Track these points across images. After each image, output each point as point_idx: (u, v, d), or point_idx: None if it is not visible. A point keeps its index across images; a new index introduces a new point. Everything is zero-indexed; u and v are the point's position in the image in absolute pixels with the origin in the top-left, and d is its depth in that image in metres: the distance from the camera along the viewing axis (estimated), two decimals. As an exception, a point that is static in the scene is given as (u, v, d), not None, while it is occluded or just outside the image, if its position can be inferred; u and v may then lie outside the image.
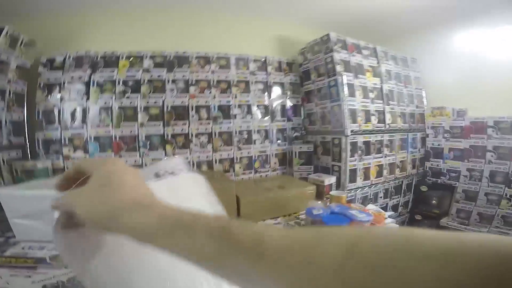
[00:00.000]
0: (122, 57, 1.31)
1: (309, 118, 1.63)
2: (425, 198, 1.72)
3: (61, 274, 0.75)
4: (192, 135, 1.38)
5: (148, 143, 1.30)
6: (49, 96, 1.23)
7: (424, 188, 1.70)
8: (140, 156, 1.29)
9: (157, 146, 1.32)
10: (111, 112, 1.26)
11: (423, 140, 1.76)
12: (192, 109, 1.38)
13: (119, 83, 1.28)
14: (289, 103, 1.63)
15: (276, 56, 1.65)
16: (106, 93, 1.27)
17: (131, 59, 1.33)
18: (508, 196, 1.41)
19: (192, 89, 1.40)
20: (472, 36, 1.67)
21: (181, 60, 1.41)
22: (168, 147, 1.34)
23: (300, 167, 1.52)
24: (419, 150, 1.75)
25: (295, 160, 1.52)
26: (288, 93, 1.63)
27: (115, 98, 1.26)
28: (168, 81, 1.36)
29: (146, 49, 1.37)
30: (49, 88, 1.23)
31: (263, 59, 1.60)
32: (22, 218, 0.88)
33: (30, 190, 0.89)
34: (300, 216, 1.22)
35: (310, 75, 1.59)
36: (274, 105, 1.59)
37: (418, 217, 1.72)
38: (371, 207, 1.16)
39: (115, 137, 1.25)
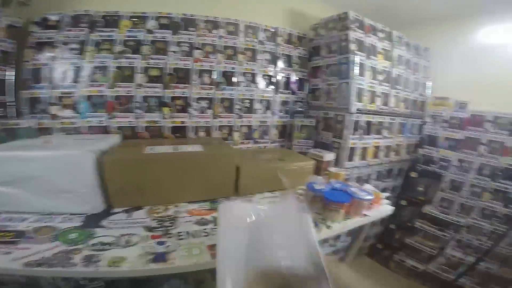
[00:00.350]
0: (125, 18, 1.23)
1: (314, 93, 1.61)
2: (413, 184, 1.77)
3: (46, 249, 0.64)
4: (192, 99, 1.34)
5: (146, 105, 1.25)
6: (39, 54, 1.15)
7: (413, 174, 1.75)
8: (135, 118, 1.25)
9: (154, 108, 1.28)
10: (107, 71, 1.19)
11: (421, 127, 1.79)
12: (195, 73, 1.32)
13: (118, 43, 1.20)
14: (294, 77, 1.59)
15: (287, 28, 1.58)
16: (103, 53, 1.20)
17: (135, 20, 1.24)
18: (490, 190, 1.48)
19: (196, 53, 1.33)
20: (486, 32, 1.66)
21: (188, 23, 1.33)
22: (165, 109, 1.29)
23: (300, 141, 1.51)
24: (415, 136, 1.78)
25: (296, 134, 1.51)
26: (295, 66, 1.58)
27: (113, 58, 1.19)
28: (172, 44, 1.28)
29: (152, 10, 1.28)
30: (40, 46, 1.15)
31: (274, 30, 1.53)
32: (0, 185, 0.76)
33: (11, 151, 0.78)
34: (298, 191, 1.22)
35: (320, 50, 1.54)
36: (279, 77, 1.54)
37: (403, 202, 1.79)
38: (368, 187, 1.18)
39: (109, 97, 1.19)
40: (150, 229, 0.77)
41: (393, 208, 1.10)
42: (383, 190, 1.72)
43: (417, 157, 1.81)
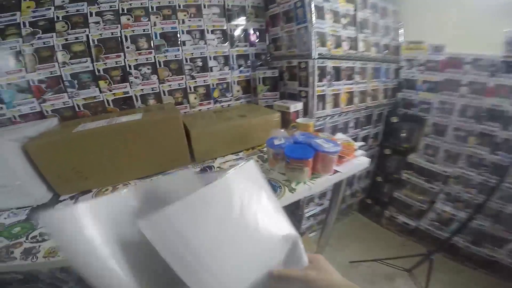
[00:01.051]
0: None
1: (275, 43, 1.45)
2: (395, 131, 1.67)
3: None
4: (130, 67, 1.20)
5: (76, 82, 1.13)
6: None
7: (394, 119, 1.64)
8: (69, 97, 1.13)
9: (89, 84, 1.16)
10: (22, 56, 1.06)
11: (397, 72, 1.68)
12: (126, 40, 1.18)
13: (24, 25, 1.06)
14: (251, 28, 1.43)
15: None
16: (10, 38, 1.05)
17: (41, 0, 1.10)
18: (476, 133, 1.38)
19: (124, 18, 1.17)
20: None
21: None
22: (101, 83, 1.17)
23: (265, 94, 1.38)
24: (392, 80, 1.67)
25: (259, 87, 1.36)
26: (251, 17, 1.42)
27: (23, 41, 1.06)
28: (91, 14, 1.14)
29: None
30: None
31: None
32: None
33: None
34: (264, 150, 1.08)
35: (276, -4, 1.38)
36: (234, 30, 1.38)
37: (387, 151, 1.68)
38: (340, 136, 1.04)
39: (33, 81, 1.09)
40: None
41: (369, 160, 0.94)
42: (364, 139, 1.63)
43: (396, 101, 1.71)
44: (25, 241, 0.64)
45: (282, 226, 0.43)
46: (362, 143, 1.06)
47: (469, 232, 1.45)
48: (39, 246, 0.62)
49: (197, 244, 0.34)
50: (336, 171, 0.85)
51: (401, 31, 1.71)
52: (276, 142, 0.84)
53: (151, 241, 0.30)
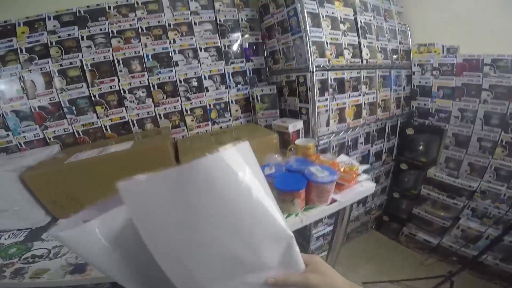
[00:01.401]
0: (20, 24, 1.11)
1: (273, 56, 1.38)
2: (411, 143, 1.52)
3: None
4: (124, 91, 1.18)
5: (74, 108, 1.14)
6: None
7: (410, 131, 1.49)
8: (69, 124, 1.14)
9: (86, 109, 1.16)
10: (22, 82, 1.10)
11: (409, 78, 1.54)
12: (119, 63, 1.17)
13: (21, 51, 1.09)
14: (247, 42, 1.36)
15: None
16: (9, 65, 1.08)
17: (33, 24, 1.13)
18: (503, 143, 1.21)
19: (115, 41, 1.17)
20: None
21: (95, 14, 1.17)
22: (98, 108, 1.17)
23: (264, 112, 1.29)
24: (404, 88, 1.52)
25: (258, 105, 1.28)
26: (245, 30, 1.36)
27: (21, 68, 1.08)
28: (83, 38, 1.14)
29: (47, 10, 1.14)
30: None
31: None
32: None
33: None
34: None
35: (269, 7, 1.31)
36: (229, 46, 1.32)
37: (403, 166, 1.53)
38: (343, 158, 0.94)
39: (34, 108, 1.10)
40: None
41: (374, 185, 0.84)
42: (377, 154, 1.50)
43: (410, 111, 1.56)
44: (17, 262, 0.68)
45: (277, 224, 0.36)
46: (366, 166, 0.94)
47: (499, 249, 1.27)
48: (28, 267, 0.66)
49: (172, 220, 0.31)
50: (334, 200, 0.76)
51: (408, 32, 1.58)
52: (267, 171, 0.76)
53: (126, 205, 0.30)
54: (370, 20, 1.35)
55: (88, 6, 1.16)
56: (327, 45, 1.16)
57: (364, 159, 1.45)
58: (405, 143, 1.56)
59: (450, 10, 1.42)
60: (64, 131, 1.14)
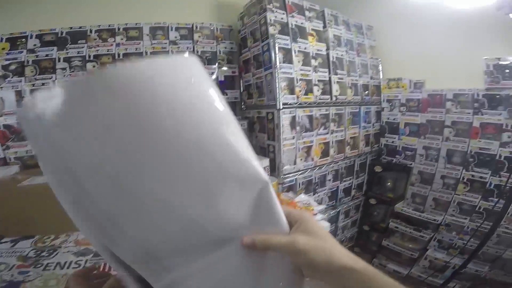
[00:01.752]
0: (2, 40, 1.11)
1: (248, 90, 1.39)
2: (379, 180, 1.55)
3: None
4: None
5: None
6: None
7: (378, 169, 1.53)
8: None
9: None
10: None
11: (378, 114, 1.59)
12: None
13: None
14: (223, 74, 1.37)
15: (206, 22, 1.38)
16: None
17: (14, 41, 1.12)
18: (465, 180, 1.28)
19: (90, 66, 1.16)
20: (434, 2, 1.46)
21: (76, 36, 1.18)
22: None
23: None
24: (373, 125, 1.57)
25: (224, 141, 1.27)
26: (222, 63, 1.37)
27: None
28: (59, 60, 1.14)
29: (32, 28, 1.14)
30: None
31: (189, 26, 1.32)
32: None
33: None
34: None
35: (247, 41, 1.33)
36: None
37: (372, 201, 1.56)
38: (302, 197, 0.96)
39: None
40: (24, 259, 0.76)
41: (329, 225, 0.85)
42: (345, 190, 1.52)
43: (379, 148, 1.59)
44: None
45: (248, 166, 0.25)
46: (322, 207, 0.95)
47: (467, 277, 1.32)
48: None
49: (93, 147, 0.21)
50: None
51: (380, 67, 1.64)
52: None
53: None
54: (342, 55, 1.40)
55: (71, 28, 1.17)
56: (297, 82, 1.19)
57: (333, 195, 1.46)
58: (374, 179, 1.59)
59: (419, 45, 1.50)
60: (26, 152, 1.09)
